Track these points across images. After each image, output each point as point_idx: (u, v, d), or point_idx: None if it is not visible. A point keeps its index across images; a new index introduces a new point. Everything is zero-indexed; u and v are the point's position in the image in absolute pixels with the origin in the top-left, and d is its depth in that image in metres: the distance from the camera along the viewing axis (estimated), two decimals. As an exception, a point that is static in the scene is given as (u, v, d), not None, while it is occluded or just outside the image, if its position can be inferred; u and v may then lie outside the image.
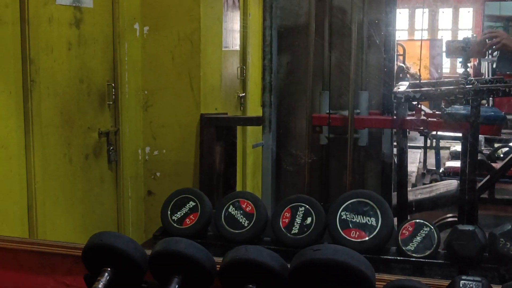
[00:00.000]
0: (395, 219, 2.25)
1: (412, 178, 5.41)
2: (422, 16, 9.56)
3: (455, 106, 3.70)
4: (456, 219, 3.06)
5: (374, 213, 1.71)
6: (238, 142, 3.36)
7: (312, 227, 1.75)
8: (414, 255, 1.68)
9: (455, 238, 1.63)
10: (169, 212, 1.89)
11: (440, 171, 5.39)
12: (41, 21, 2.21)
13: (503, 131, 5.10)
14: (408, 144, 4.02)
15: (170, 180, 2.83)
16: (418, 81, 5.25)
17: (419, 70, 8.54)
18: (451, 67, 9.37)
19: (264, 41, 4.10)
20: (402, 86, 3.21)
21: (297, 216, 1.78)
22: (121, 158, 2.70)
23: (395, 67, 4.97)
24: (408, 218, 2.55)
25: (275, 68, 4.23)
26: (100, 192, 2.62)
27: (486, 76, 7.52)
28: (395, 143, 3.90)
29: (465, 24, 10.72)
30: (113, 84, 2.65)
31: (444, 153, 6.03)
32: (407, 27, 9.87)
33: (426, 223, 1.71)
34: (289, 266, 1.35)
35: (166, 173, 2.85)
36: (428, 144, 6.24)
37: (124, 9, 2.63)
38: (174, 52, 2.80)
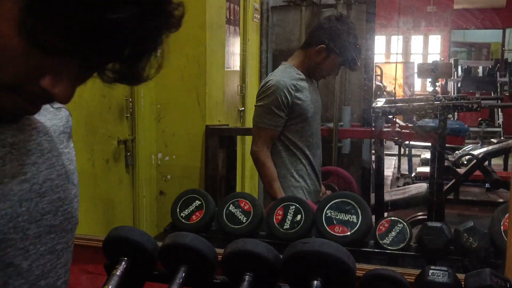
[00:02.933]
0: (373, 217, 2.26)
1: (388, 182, 5.41)
2: (397, 42, 9.59)
3: (425, 119, 3.70)
4: (426, 217, 3.06)
5: (355, 211, 1.70)
6: (238, 149, 3.36)
7: (301, 223, 1.75)
8: (389, 247, 1.67)
9: (425, 233, 1.63)
10: (178, 210, 1.88)
11: (412, 175, 5.39)
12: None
13: (466, 141, 5.11)
14: (384, 152, 4.02)
15: (179, 182, 2.82)
16: (393, 98, 5.26)
17: (394, 88, 8.56)
18: (421, 86, 9.39)
19: (261, 63, 4.12)
20: (380, 102, 3.21)
21: (288, 214, 1.77)
22: (137, 162, 2.69)
23: (374, 86, 4.98)
24: (385, 216, 2.55)
25: (270, 86, 4.22)
26: (119, 192, 2.61)
27: (452, 94, 7.53)
28: (373, 151, 3.90)
29: (434, 49, 10.76)
30: (130, 99, 2.64)
31: (415, 160, 6.03)
32: (384, 51, 9.91)
33: (400, 220, 1.71)
34: (281, 257, 1.34)
35: (176, 176, 2.84)
36: (402, 152, 6.25)
37: (140, 34, 2.63)
38: (184, 72, 2.79)
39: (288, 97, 2.29)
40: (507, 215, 1.55)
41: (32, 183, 0.69)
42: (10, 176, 0.66)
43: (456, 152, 4.83)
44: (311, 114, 2.37)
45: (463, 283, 1.27)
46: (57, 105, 0.81)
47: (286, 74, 2.36)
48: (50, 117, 0.80)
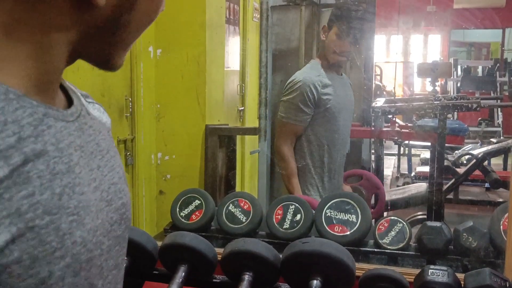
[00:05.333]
0: (373, 216, 2.26)
1: (387, 181, 5.40)
2: (396, 41, 9.59)
3: (425, 119, 3.71)
4: (425, 216, 3.06)
5: (355, 211, 1.71)
6: (238, 149, 3.36)
7: (301, 223, 1.75)
8: (389, 247, 1.67)
9: (425, 232, 1.63)
10: (177, 209, 1.89)
11: (412, 175, 5.39)
12: (69, 43, 2.20)
13: (466, 140, 5.11)
14: (383, 152, 4.03)
15: (179, 182, 2.82)
16: (393, 98, 5.26)
17: (394, 88, 8.56)
18: (421, 86, 9.38)
19: (260, 62, 4.11)
20: (379, 102, 3.21)
21: (288, 213, 1.77)
22: (136, 162, 2.69)
23: (373, 85, 4.98)
24: (384, 215, 2.55)
25: (270, 86, 4.24)
26: (118, 192, 2.61)
27: (452, 94, 7.53)
28: (372, 151, 3.91)
29: (434, 48, 10.76)
30: (130, 98, 2.64)
31: (415, 160, 6.03)
32: (384, 50, 9.90)
33: (400, 219, 1.71)
34: (281, 256, 1.35)
35: (176, 175, 2.84)
36: (401, 152, 6.25)
37: (140, 34, 2.63)
38: (183, 71, 2.79)
39: (314, 93, 2.34)
40: (506, 215, 1.55)
41: (101, 190, 0.62)
42: (87, 184, 0.58)
43: (456, 151, 4.83)
44: (337, 110, 2.41)
45: (462, 282, 1.27)
46: (90, 99, 0.76)
47: (312, 70, 2.43)
48: (98, 113, 0.74)
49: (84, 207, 0.56)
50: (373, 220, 1.89)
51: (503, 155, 4.98)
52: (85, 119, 0.63)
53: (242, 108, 3.67)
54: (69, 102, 0.63)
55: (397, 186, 4.88)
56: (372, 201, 2.76)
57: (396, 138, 4.26)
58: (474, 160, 3.54)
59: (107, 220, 0.62)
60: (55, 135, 0.55)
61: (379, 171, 3.23)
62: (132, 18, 0.60)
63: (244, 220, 1.80)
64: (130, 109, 2.64)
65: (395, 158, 6.29)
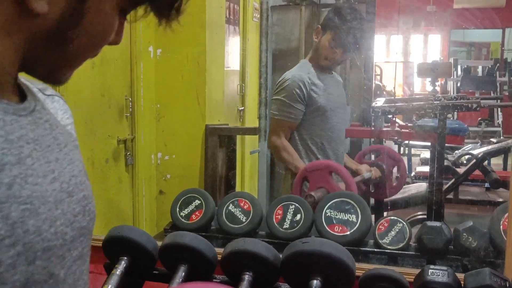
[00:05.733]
0: (373, 216, 2.26)
1: (387, 181, 5.39)
2: (396, 41, 9.59)
3: (425, 119, 3.70)
4: (425, 216, 3.06)
5: (355, 211, 1.71)
6: (238, 149, 3.36)
7: (301, 223, 1.75)
8: (389, 247, 1.67)
9: (425, 232, 1.63)
10: (177, 209, 1.89)
11: (412, 175, 5.38)
12: (69, 43, 2.20)
13: (466, 140, 5.11)
14: (384, 152, 4.01)
15: (179, 181, 2.82)
16: (393, 98, 5.26)
17: (394, 88, 8.55)
18: (421, 86, 9.38)
19: (260, 62, 4.11)
20: (379, 102, 3.21)
21: (288, 213, 1.77)
22: (136, 162, 2.69)
23: (373, 85, 4.98)
24: (384, 215, 2.55)
25: (270, 86, 4.24)
26: (118, 191, 2.61)
27: (452, 93, 7.53)
28: (373, 151, 3.90)
29: (434, 48, 10.75)
30: (130, 98, 2.64)
31: (415, 160, 6.02)
32: (384, 50, 9.90)
33: (400, 219, 1.71)
34: (281, 256, 1.34)
35: (176, 175, 2.84)
36: (401, 152, 6.24)
37: (140, 34, 2.63)
38: (183, 71, 2.79)
39: (304, 90, 2.36)
40: (506, 215, 1.55)
41: (61, 182, 0.63)
42: (42, 175, 0.60)
43: (456, 151, 4.82)
44: (329, 108, 2.43)
45: (462, 282, 1.27)
46: (49, 91, 0.77)
47: (302, 68, 2.46)
48: (55, 106, 0.76)
49: (39, 197, 0.57)
50: (373, 219, 1.90)
51: (503, 155, 4.97)
52: (41, 114, 0.65)
53: (242, 108, 3.67)
54: (24, 99, 0.65)
55: (397, 186, 4.87)
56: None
57: (396, 138, 4.26)
58: (474, 160, 3.53)
59: (69, 211, 0.64)
60: (4, 127, 0.57)
61: (379, 171, 3.22)
62: (78, 35, 0.63)
63: (244, 220, 1.80)
64: (130, 109, 2.64)
65: (395, 158, 6.28)
